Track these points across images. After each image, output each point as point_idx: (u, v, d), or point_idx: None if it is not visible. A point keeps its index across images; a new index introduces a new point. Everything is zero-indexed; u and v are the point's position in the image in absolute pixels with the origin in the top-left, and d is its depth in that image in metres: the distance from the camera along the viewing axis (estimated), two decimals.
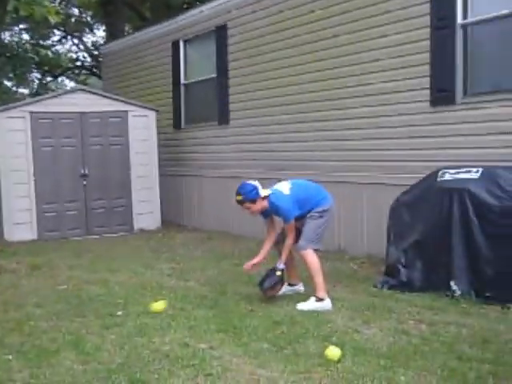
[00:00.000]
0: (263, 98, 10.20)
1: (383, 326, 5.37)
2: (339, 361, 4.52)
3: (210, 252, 9.28)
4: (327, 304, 6.00)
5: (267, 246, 6.44)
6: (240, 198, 6.13)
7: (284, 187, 6.24)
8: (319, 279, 6.07)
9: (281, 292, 6.45)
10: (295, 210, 6.12)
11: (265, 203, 6.17)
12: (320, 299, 6.02)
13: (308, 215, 6.19)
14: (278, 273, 6.23)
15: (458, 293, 6.12)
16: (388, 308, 5.88)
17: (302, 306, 6.01)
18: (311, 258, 6.09)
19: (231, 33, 10.87)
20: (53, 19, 8.07)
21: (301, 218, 6.20)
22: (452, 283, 6.18)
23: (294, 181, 6.41)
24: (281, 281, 6.30)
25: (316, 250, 6.17)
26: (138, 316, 5.83)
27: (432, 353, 4.69)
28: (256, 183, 6.19)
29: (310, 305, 6.01)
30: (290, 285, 6.60)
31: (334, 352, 4.59)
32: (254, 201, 6.11)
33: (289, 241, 6.21)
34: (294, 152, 9.62)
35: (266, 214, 6.34)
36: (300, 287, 6.61)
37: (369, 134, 8.39)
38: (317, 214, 6.17)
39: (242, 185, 6.24)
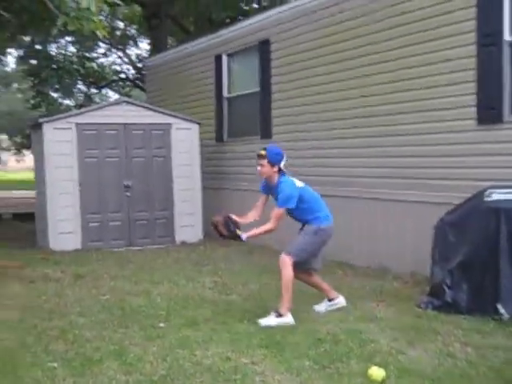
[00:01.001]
0: (306, 112, 10.20)
1: (428, 347, 5.29)
2: (383, 382, 4.47)
3: (251, 266, 9.28)
4: (288, 319, 5.99)
5: (249, 217, 6.46)
6: (263, 153, 6.17)
7: (298, 182, 6.27)
8: (287, 294, 6.05)
9: (323, 309, 6.42)
10: (294, 202, 6.08)
11: (275, 175, 6.18)
12: (280, 315, 6.01)
13: (303, 228, 6.21)
14: (237, 231, 6.17)
15: (506, 316, 5.99)
16: (433, 329, 5.79)
17: (263, 321, 6.00)
18: (286, 269, 6.08)
19: (274, 47, 10.90)
20: (100, 34, 8.16)
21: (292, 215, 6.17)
22: (499, 306, 6.06)
23: (308, 186, 6.38)
24: (230, 230, 6.20)
25: (304, 267, 6.23)
26: (180, 328, 5.86)
27: (479, 377, 4.59)
28: (284, 156, 6.19)
29: (270, 320, 5.99)
30: (329, 300, 6.54)
31: (377, 372, 4.53)
32: (271, 164, 6.12)
33: (268, 225, 6.15)
34: (337, 168, 9.58)
35: (267, 189, 6.36)
36: (340, 299, 6.55)
37: (414, 151, 8.31)
38: (312, 230, 6.15)
39: (274, 146, 6.44)
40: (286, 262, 6.07)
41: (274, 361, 4.97)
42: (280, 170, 6.19)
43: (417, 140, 8.25)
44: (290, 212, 6.22)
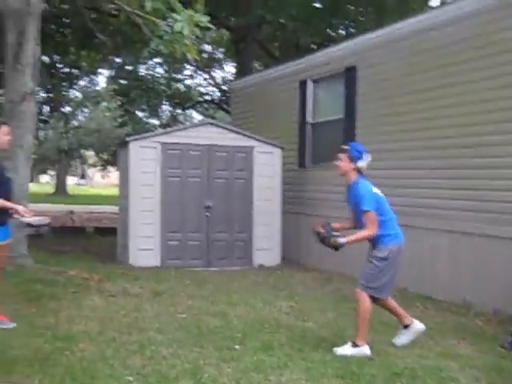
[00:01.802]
0: (390, 141, 10.06)
1: None
2: None
3: (329, 293, 9.16)
4: (365, 350, 5.82)
5: (345, 225, 6.31)
6: (346, 147, 6.07)
7: (375, 189, 6.06)
8: (363, 326, 5.88)
9: (405, 340, 6.22)
10: (375, 205, 5.88)
11: (352, 174, 6.01)
12: (357, 345, 5.84)
13: (372, 252, 6.02)
14: (333, 239, 5.98)
15: None
16: None
17: (339, 350, 5.86)
18: (363, 302, 5.90)
19: (361, 74, 10.83)
20: (191, 57, 8.34)
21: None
22: None
23: (385, 198, 6.16)
24: (327, 239, 6.04)
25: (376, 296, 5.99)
26: (255, 352, 5.80)
27: None
28: (365, 156, 6.01)
29: (346, 350, 5.84)
30: (405, 327, 6.26)
31: None
32: (350, 158, 5.98)
33: (367, 231, 5.90)
34: (421, 199, 9.36)
35: (348, 196, 6.17)
36: (418, 325, 6.24)
37: (504, 185, 8.01)
38: (381, 256, 5.94)
39: (358, 144, 6.32)
40: (361, 295, 5.94)
41: None
42: (359, 170, 6.03)
43: (508, 174, 7.98)
44: (358, 221, 6.03)
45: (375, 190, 6.04)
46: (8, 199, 6.10)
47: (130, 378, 4.92)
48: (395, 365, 5.59)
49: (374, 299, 6.01)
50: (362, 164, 6.00)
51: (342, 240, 5.95)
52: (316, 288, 9.56)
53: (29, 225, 6.45)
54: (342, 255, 10.96)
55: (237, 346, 5.98)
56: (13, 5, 9.10)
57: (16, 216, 6.24)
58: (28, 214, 6.20)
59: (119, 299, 7.94)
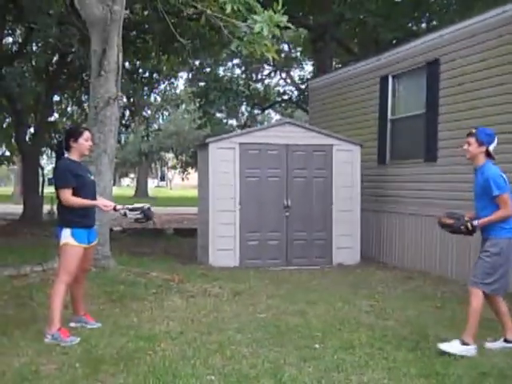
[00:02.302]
0: None
1: None
2: None
3: (410, 292, 8.99)
4: (472, 350, 5.63)
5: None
6: (474, 131, 5.94)
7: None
8: (473, 323, 5.70)
9: (495, 347, 6.00)
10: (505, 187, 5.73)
11: (481, 157, 5.90)
12: (465, 343, 5.65)
13: (484, 245, 5.82)
14: (466, 226, 5.78)
15: None
16: None
17: (445, 346, 5.67)
18: (475, 299, 5.73)
19: (444, 68, 10.57)
20: (271, 57, 8.35)
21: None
22: None
23: None
24: (459, 227, 5.86)
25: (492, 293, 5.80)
26: (336, 351, 5.77)
27: None
28: (496, 140, 5.91)
29: (453, 347, 5.65)
30: (506, 341, 6.01)
31: None
32: (479, 142, 5.86)
33: (503, 212, 5.72)
34: None
35: (475, 181, 6.01)
36: None
37: None
38: (495, 250, 5.73)
39: (486, 128, 6.13)
40: (474, 293, 5.78)
41: None
42: (489, 154, 5.90)
43: None
44: (480, 207, 5.87)
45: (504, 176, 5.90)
46: (91, 200, 6.27)
47: (212, 378, 4.97)
48: (482, 364, 5.44)
49: (485, 296, 5.85)
50: (492, 146, 5.88)
51: (476, 222, 5.81)
52: (397, 286, 9.40)
53: (125, 215, 6.53)
54: (424, 253, 10.83)
55: (317, 345, 5.96)
56: (97, 13, 9.34)
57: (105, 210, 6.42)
58: (108, 207, 6.30)
59: (199, 299, 8.03)
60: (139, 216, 6.54)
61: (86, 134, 6.29)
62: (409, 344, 6.04)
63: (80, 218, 6.09)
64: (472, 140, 5.89)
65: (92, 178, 6.44)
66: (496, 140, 5.92)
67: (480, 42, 9.71)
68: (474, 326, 5.72)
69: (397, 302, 8.11)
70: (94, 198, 6.35)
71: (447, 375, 5.10)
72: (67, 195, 6.02)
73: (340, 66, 22.47)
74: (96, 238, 6.50)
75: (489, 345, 6.04)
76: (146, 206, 6.63)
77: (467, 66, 9.99)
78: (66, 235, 6.02)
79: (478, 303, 5.74)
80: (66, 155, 6.24)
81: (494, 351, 5.88)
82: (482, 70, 9.67)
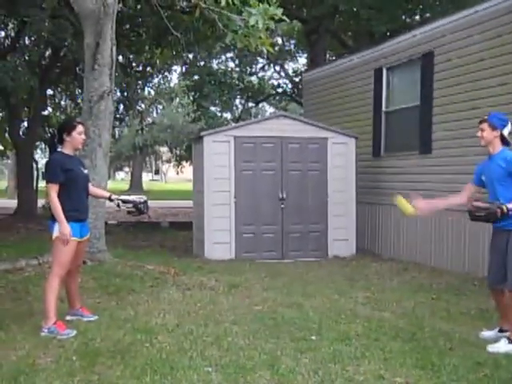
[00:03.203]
0: (469, 127, 9.76)
1: None
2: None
3: (405, 283, 9.02)
4: None
5: (452, 201, 6.26)
6: (486, 117, 5.89)
7: None
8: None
9: (491, 336, 6.02)
10: None
11: (497, 142, 5.79)
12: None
13: (509, 240, 5.67)
14: (502, 209, 5.48)
15: None
16: None
17: (493, 347, 5.63)
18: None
19: (438, 59, 10.58)
20: (266, 50, 8.35)
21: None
22: None
23: None
24: (494, 213, 5.53)
25: None
26: (332, 342, 5.78)
27: None
28: (510, 124, 5.83)
29: (501, 346, 5.63)
30: (500, 331, 6.01)
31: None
32: (492, 127, 5.79)
33: None
34: None
35: (479, 180, 5.96)
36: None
37: None
38: None
39: (499, 113, 6.08)
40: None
41: (430, 383, 4.77)
42: (503, 139, 5.81)
43: None
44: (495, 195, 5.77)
45: None
46: (83, 194, 6.25)
47: (209, 369, 4.98)
48: (477, 354, 5.46)
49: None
50: (507, 131, 5.82)
51: (510, 205, 5.53)
52: (392, 278, 9.43)
53: (118, 205, 6.51)
54: (419, 245, 10.86)
55: (313, 337, 5.97)
56: (90, 6, 9.31)
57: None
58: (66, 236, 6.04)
59: (195, 292, 8.03)
60: (132, 209, 6.53)
61: (80, 128, 6.26)
62: (405, 335, 6.06)
63: (73, 212, 6.05)
64: (485, 126, 5.83)
65: (86, 171, 6.41)
66: (510, 124, 5.84)
67: (474, 34, 9.72)
68: None
69: (393, 294, 8.13)
70: (87, 192, 6.32)
71: (443, 365, 5.12)
72: (51, 190, 5.97)
73: (334, 58, 22.44)
74: (88, 232, 6.48)
75: (485, 334, 6.09)
76: (143, 198, 6.62)
77: (463, 57, 10.00)
78: (59, 229, 6.00)
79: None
80: (59, 149, 6.23)
81: (489, 341, 5.90)
82: (476, 62, 9.69)
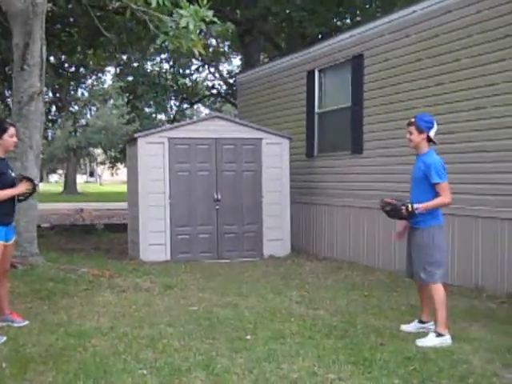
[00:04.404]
0: (399, 128, 9.98)
1: None
2: None
3: (339, 282, 9.17)
4: (447, 339, 5.80)
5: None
6: (413, 120, 6.03)
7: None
8: (442, 313, 5.87)
9: (411, 329, 6.24)
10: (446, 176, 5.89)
11: (424, 145, 5.98)
12: (440, 334, 5.82)
13: (417, 236, 5.97)
14: (407, 207, 5.84)
15: None
16: None
17: (422, 342, 5.81)
18: (436, 291, 5.89)
19: (368, 62, 10.79)
20: (198, 51, 8.34)
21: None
22: None
23: None
24: (399, 210, 5.94)
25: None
26: (267, 341, 5.82)
27: None
28: (435, 126, 6.00)
29: (429, 341, 5.80)
30: (420, 322, 6.29)
31: None
32: (420, 131, 5.96)
33: (443, 199, 5.88)
34: None
35: (414, 167, 6.12)
36: (430, 326, 6.18)
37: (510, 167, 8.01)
38: (430, 238, 5.91)
39: (425, 114, 6.31)
40: (434, 287, 5.92)
41: (362, 378, 4.87)
42: (430, 140, 5.99)
43: None
44: (417, 194, 6.02)
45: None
46: (12, 200, 6.10)
47: (144, 372, 4.95)
48: (407, 349, 5.61)
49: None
50: (433, 132, 5.97)
51: (416, 206, 5.85)
52: (326, 277, 9.57)
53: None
54: (352, 244, 11.05)
55: (248, 337, 6.01)
56: (18, 5, 9.12)
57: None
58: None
59: (130, 294, 7.97)
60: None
61: (11, 130, 6.12)
62: (338, 332, 6.16)
63: (2, 216, 5.93)
64: (412, 129, 6.00)
65: (13, 174, 6.25)
66: (436, 125, 6.01)
67: (404, 36, 9.94)
68: (442, 315, 5.86)
69: (327, 292, 8.26)
70: (13, 197, 6.16)
71: (374, 360, 5.23)
72: None
73: (268, 60, 22.58)
74: (14, 235, 6.34)
75: (404, 327, 6.28)
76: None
77: (391, 60, 10.22)
78: None
79: (439, 293, 5.88)
80: None
81: (414, 333, 6.09)
82: (406, 64, 9.90)
